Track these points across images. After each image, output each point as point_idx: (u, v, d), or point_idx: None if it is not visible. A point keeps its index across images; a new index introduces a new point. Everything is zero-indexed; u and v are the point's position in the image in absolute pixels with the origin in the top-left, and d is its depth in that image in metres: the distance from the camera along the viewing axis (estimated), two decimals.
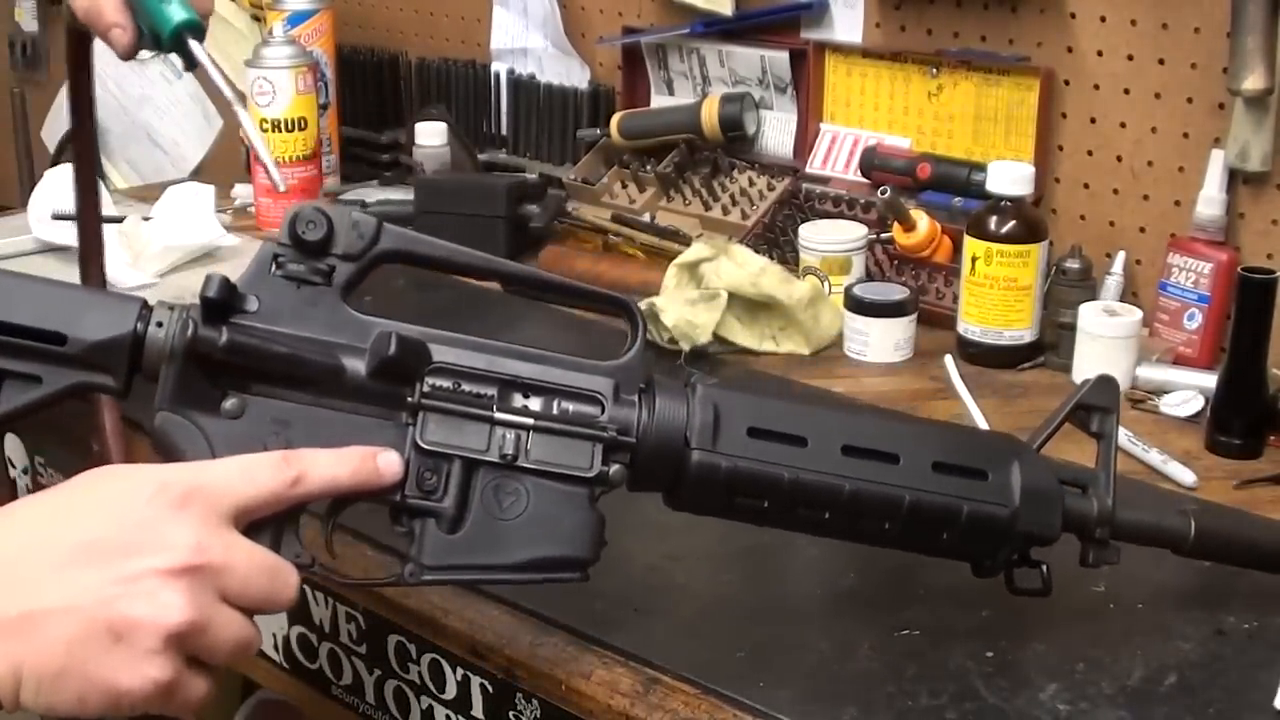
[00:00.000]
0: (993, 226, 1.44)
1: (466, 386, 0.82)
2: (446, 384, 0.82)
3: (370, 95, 2.22)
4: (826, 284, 1.55)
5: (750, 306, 1.48)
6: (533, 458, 0.82)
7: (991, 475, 0.88)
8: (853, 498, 0.86)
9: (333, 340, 0.81)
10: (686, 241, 1.65)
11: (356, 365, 0.80)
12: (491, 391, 0.82)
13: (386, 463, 0.80)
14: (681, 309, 1.44)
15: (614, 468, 0.83)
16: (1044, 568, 0.91)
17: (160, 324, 0.78)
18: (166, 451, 0.79)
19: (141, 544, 0.70)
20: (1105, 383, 0.93)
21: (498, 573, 0.84)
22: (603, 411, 0.84)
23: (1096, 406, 0.92)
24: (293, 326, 0.80)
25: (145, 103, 2.57)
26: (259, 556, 0.74)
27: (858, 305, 1.48)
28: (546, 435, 0.82)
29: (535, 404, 0.83)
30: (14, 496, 1.51)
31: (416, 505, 0.81)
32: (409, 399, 0.81)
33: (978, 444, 0.92)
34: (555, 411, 0.83)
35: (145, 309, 0.79)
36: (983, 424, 1.32)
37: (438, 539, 0.81)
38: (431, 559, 0.81)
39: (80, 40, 1.18)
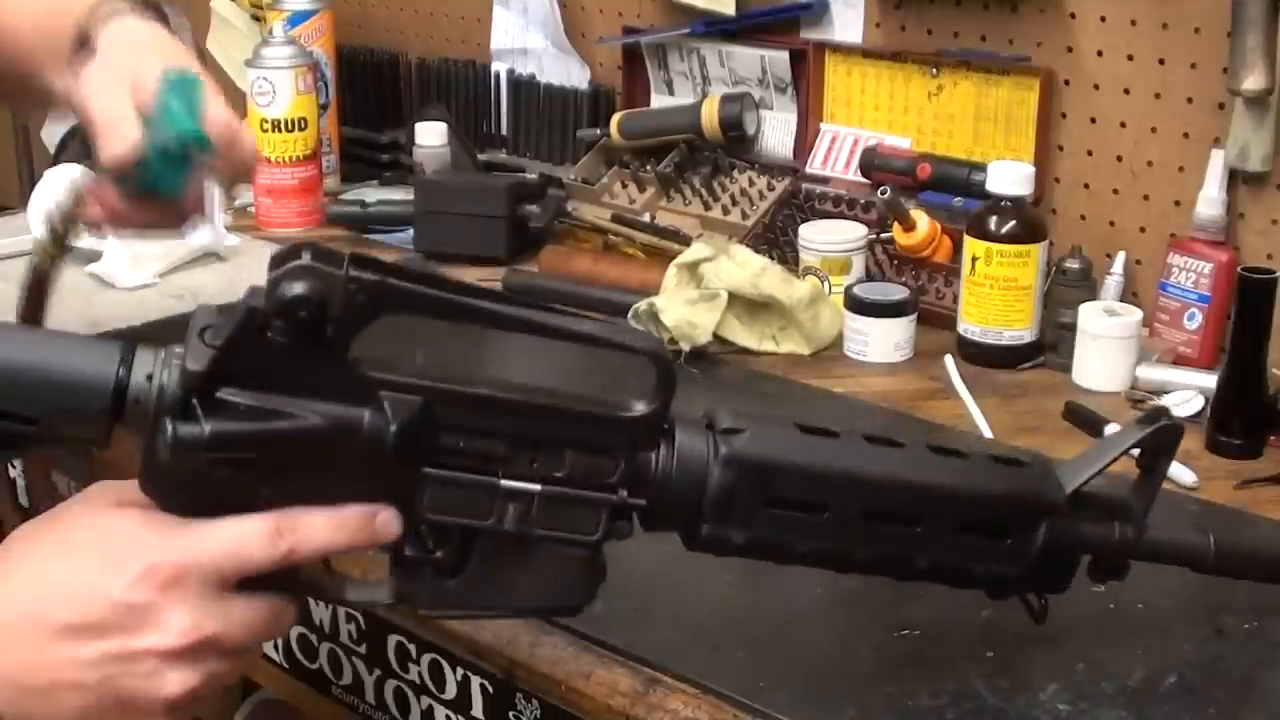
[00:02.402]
0: (993, 226, 1.44)
1: (472, 446, 0.76)
2: (451, 445, 0.76)
3: (370, 95, 2.22)
4: (826, 284, 1.55)
5: (750, 306, 1.48)
6: (537, 525, 0.77)
7: (1013, 538, 0.85)
8: (865, 562, 0.84)
9: (331, 410, 0.73)
10: (686, 241, 1.65)
11: (357, 431, 0.74)
12: (499, 451, 0.77)
13: (384, 523, 0.76)
14: (681, 309, 1.44)
15: (620, 524, 0.80)
16: (1044, 600, 0.89)
17: (138, 401, 0.72)
18: (155, 500, 0.74)
19: (137, 625, 0.71)
20: (1170, 430, 0.89)
21: (493, 611, 0.83)
22: (615, 471, 0.78)
23: (1157, 452, 0.89)
24: (285, 391, 0.72)
25: None
26: (255, 612, 0.74)
27: (858, 305, 1.48)
28: (553, 501, 0.77)
29: (544, 465, 0.77)
30: (14, 496, 1.51)
31: (414, 558, 0.78)
32: (410, 469, 0.76)
33: (1011, 498, 0.86)
34: (564, 473, 0.77)
35: (123, 369, 0.72)
36: (983, 424, 1.32)
37: (434, 583, 0.79)
38: (428, 601, 0.79)
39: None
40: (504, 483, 0.77)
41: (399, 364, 0.75)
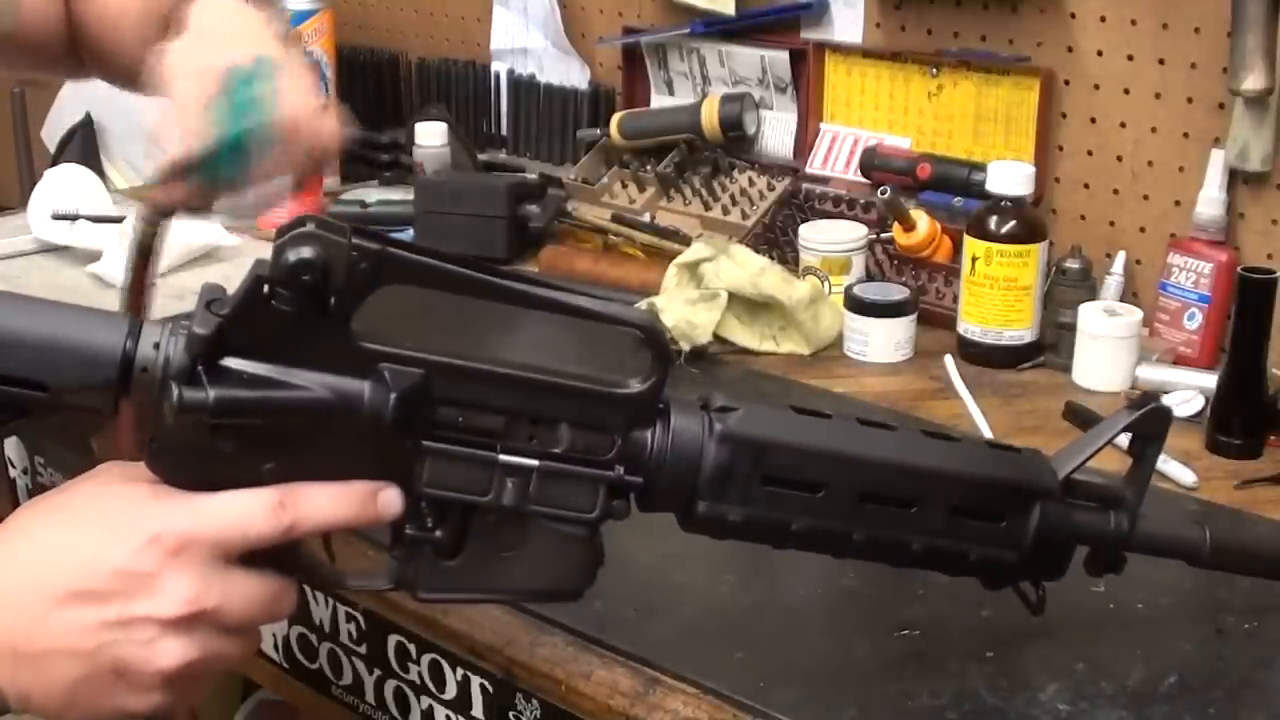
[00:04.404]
0: (993, 226, 1.44)
1: (471, 421, 0.77)
2: (450, 418, 0.77)
3: (370, 95, 2.22)
4: (826, 284, 1.55)
5: (750, 306, 1.49)
6: (535, 501, 0.78)
7: (1007, 520, 0.86)
8: (859, 545, 0.85)
9: (333, 381, 0.74)
10: (686, 241, 1.65)
11: (358, 403, 0.75)
12: (497, 425, 0.77)
13: (386, 502, 0.76)
14: (681, 309, 1.44)
15: (617, 503, 0.80)
16: (1042, 590, 0.90)
17: (145, 369, 0.73)
18: (160, 474, 0.75)
19: (138, 592, 0.71)
20: (1158, 414, 0.89)
21: (492, 595, 0.83)
22: (612, 447, 0.79)
23: (1146, 436, 0.90)
24: (288, 362, 0.73)
25: (146, 102, 2.57)
26: (255, 588, 0.74)
27: (858, 305, 1.48)
28: (551, 477, 0.78)
29: (542, 440, 0.78)
30: (14, 496, 1.51)
31: (413, 536, 0.79)
32: (410, 441, 0.76)
33: (1004, 483, 0.87)
34: (562, 449, 0.78)
35: (130, 340, 0.73)
36: (983, 424, 1.32)
37: (433, 565, 0.79)
38: (426, 584, 0.80)
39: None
40: (502, 457, 0.77)
41: (400, 339, 0.76)
